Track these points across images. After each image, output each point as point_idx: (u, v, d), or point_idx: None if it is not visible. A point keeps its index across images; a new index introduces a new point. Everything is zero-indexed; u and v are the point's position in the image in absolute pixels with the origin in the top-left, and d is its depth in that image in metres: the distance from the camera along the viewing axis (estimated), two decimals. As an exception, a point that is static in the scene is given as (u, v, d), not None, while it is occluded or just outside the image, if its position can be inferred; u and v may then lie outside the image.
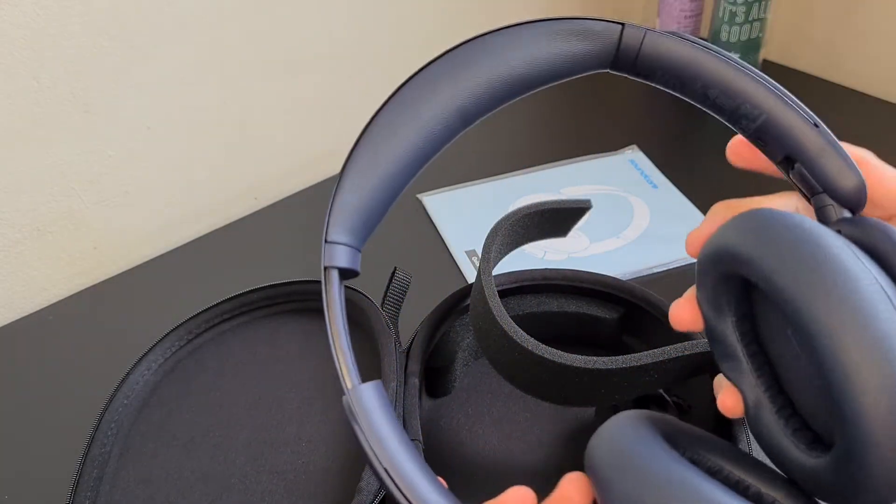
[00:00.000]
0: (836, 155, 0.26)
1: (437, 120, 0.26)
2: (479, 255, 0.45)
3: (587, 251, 0.59)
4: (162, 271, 0.62)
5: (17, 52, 0.52)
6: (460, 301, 0.46)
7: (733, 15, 0.77)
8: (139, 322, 0.57)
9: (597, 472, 0.23)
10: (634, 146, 0.71)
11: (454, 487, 0.41)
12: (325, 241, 0.26)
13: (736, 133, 0.28)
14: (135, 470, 0.41)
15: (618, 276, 0.46)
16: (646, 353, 0.37)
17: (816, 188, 0.26)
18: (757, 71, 0.26)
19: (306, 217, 0.67)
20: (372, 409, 0.23)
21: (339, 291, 0.26)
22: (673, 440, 0.24)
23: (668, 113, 0.80)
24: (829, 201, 0.26)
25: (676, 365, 0.37)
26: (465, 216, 0.64)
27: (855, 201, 0.26)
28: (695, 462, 0.24)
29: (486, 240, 0.41)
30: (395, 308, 0.46)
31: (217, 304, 0.48)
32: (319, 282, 0.50)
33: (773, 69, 0.84)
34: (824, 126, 0.26)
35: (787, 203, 0.29)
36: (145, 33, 0.57)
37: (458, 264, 0.59)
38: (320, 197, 0.69)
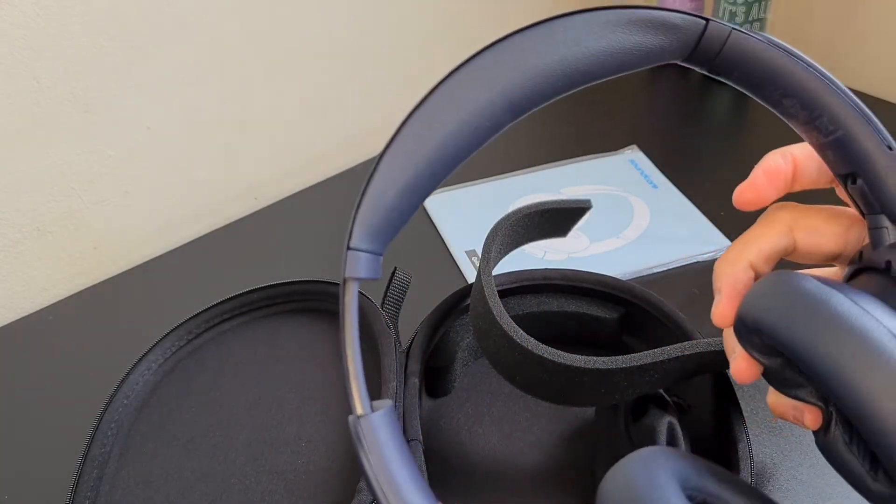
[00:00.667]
0: None
1: (485, 114, 0.24)
2: (479, 255, 0.45)
3: (587, 251, 0.59)
4: (162, 271, 0.62)
5: (17, 52, 0.52)
6: (460, 301, 0.46)
7: (733, 15, 0.77)
8: (139, 322, 0.57)
9: None
10: (634, 146, 0.71)
11: (454, 487, 0.41)
12: (349, 248, 0.24)
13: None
14: (135, 470, 0.41)
15: (618, 276, 0.46)
16: (646, 353, 0.37)
17: (875, 207, 0.26)
18: (841, 85, 0.26)
19: (306, 217, 0.67)
20: (383, 441, 0.22)
21: (356, 303, 0.24)
22: (686, 481, 0.24)
23: (669, 113, 0.80)
24: (886, 223, 0.26)
25: (676, 365, 0.37)
26: (465, 216, 0.64)
27: None
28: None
29: (486, 240, 0.41)
30: (395, 308, 0.46)
31: (217, 304, 0.48)
32: (319, 282, 0.50)
33: (773, 69, 0.84)
34: None
35: (779, 232, 0.29)
36: (145, 33, 0.57)
37: (458, 264, 0.59)
38: (320, 197, 0.69)
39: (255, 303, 0.49)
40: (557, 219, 0.44)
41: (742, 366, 0.28)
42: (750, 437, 0.37)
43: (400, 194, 0.24)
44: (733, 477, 0.26)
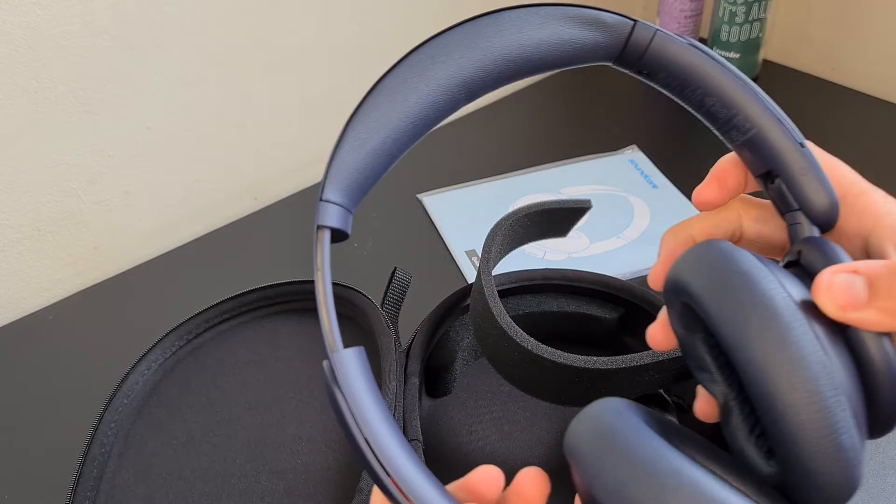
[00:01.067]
0: (815, 175, 0.27)
1: (442, 89, 0.27)
2: (479, 255, 0.45)
3: (587, 251, 0.59)
4: (162, 271, 0.62)
5: (17, 52, 0.52)
6: (460, 301, 0.46)
7: (733, 15, 0.77)
8: (139, 322, 0.57)
9: (579, 458, 0.23)
10: (634, 146, 0.71)
11: (454, 487, 0.41)
12: (321, 199, 0.26)
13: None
14: (135, 470, 0.41)
15: (618, 276, 0.46)
16: (646, 353, 0.37)
17: (792, 205, 0.27)
18: (755, 86, 0.27)
19: (306, 217, 0.66)
20: (354, 375, 0.23)
21: (328, 252, 0.26)
22: (660, 429, 0.24)
23: (669, 113, 0.80)
24: (802, 219, 0.27)
25: (676, 365, 0.37)
26: (465, 216, 0.64)
27: (825, 220, 0.27)
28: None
29: (486, 240, 0.41)
30: (395, 308, 0.46)
31: (217, 304, 0.48)
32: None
33: (773, 69, 0.84)
34: (808, 147, 0.27)
35: (730, 218, 0.30)
36: (146, 33, 0.57)
37: (458, 264, 0.59)
38: (320, 197, 0.69)
39: (255, 303, 0.49)
40: (557, 219, 0.44)
41: (657, 332, 0.29)
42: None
43: (366, 157, 0.26)
44: (706, 440, 0.26)
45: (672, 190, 0.65)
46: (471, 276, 0.58)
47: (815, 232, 0.27)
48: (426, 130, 0.27)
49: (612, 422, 0.23)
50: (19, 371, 0.54)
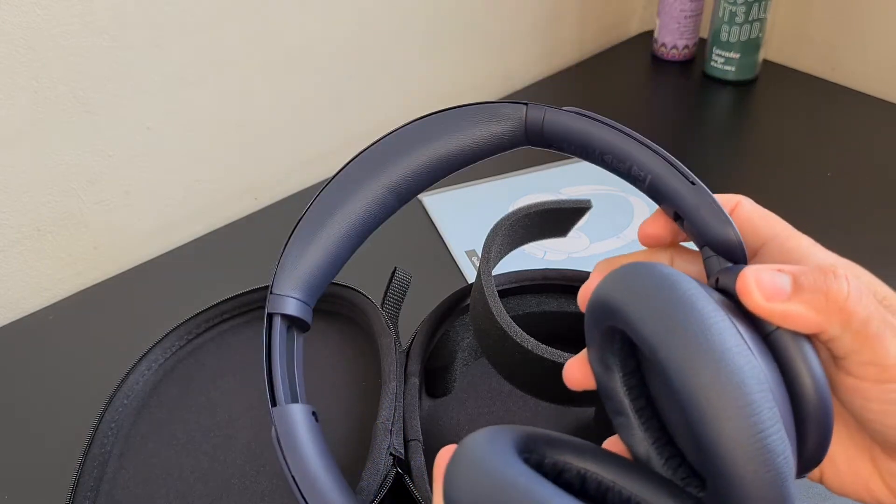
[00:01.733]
0: (712, 211, 0.27)
1: (372, 198, 0.31)
2: (479, 255, 0.45)
3: (587, 251, 0.59)
4: (162, 271, 0.62)
5: (17, 52, 0.52)
6: (460, 301, 0.46)
7: (733, 15, 0.77)
8: (139, 322, 0.57)
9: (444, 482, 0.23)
10: (634, 146, 0.71)
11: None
12: (270, 293, 0.30)
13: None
14: (135, 470, 0.41)
15: (618, 276, 0.46)
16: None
17: (700, 241, 0.27)
18: (641, 137, 0.28)
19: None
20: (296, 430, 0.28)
21: (284, 338, 0.30)
22: (526, 446, 0.24)
23: (669, 112, 0.80)
24: (711, 252, 0.27)
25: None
26: (465, 216, 0.64)
27: (728, 251, 0.27)
28: (540, 463, 0.24)
29: (486, 240, 0.41)
30: (395, 308, 0.46)
31: (217, 304, 0.48)
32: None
33: (773, 69, 0.84)
34: (701, 184, 0.27)
35: (662, 257, 0.30)
36: (145, 33, 0.57)
37: (458, 264, 0.59)
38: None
39: (255, 303, 0.49)
40: (557, 219, 0.44)
41: (574, 370, 0.28)
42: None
43: (313, 260, 0.31)
44: (576, 441, 0.26)
45: (672, 190, 0.65)
46: (471, 276, 0.58)
47: (727, 264, 0.26)
48: (366, 235, 0.32)
49: (477, 447, 0.23)
50: (19, 371, 0.54)
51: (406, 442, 0.39)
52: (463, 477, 0.22)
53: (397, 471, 0.37)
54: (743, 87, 0.81)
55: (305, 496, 0.27)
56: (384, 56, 0.72)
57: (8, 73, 0.52)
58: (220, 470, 0.41)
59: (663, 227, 0.29)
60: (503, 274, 0.46)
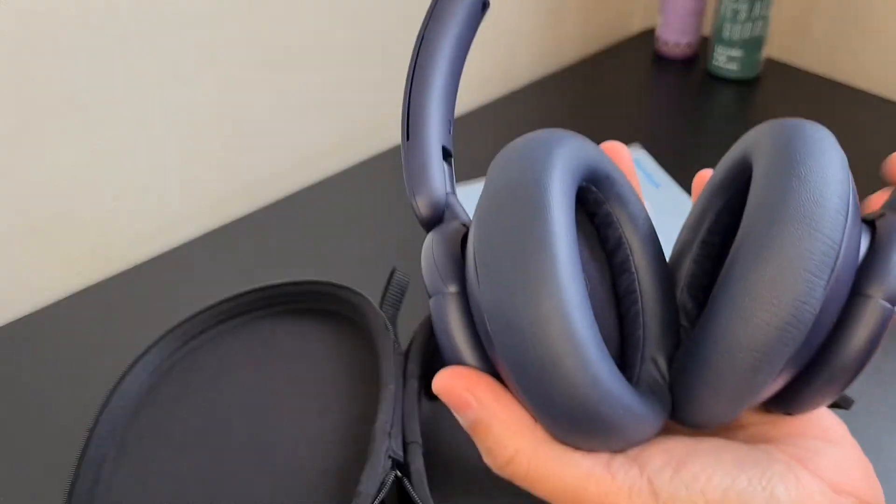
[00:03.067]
0: None
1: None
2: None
3: (588, 251, 0.59)
4: (160, 271, 0.62)
5: (14, 51, 0.51)
6: (460, 302, 0.46)
7: (736, 12, 0.77)
8: (138, 322, 0.57)
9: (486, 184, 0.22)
10: (637, 144, 0.71)
11: (454, 488, 0.41)
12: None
13: None
14: (131, 472, 0.41)
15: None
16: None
17: None
18: None
19: (304, 217, 0.66)
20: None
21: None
22: (593, 175, 0.23)
23: (671, 111, 0.79)
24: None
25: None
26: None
27: None
28: (597, 202, 0.24)
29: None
30: (394, 309, 0.46)
31: (214, 305, 0.48)
32: (318, 282, 0.50)
33: (776, 67, 0.83)
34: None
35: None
36: (143, 32, 0.57)
37: (459, 264, 0.59)
38: (318, 197, 0.69)
39: (253, 303, 0.49)
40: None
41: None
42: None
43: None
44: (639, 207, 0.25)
45: (674, 188, 0.64)
46: (471, 276, 0.57)
47: None
48: None
49: (529, 151, 0.22)
50: (18, 371, 0.54)
51: (405, 445, 0.38)
52: (507, 155, 0.21)
53: (396, 474, 0.37)
54: (746, 85, 0.81)
55: None
56: (384, 54, 0.72)
57: (4, 73, 0.51)
58: (217, 472, 0.40)
59: None
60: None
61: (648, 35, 0.91)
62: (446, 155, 0.25)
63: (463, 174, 0.69)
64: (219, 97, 0.63)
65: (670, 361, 0.23)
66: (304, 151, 0.72)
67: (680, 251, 0.26)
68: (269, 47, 0.64)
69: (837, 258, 0.19)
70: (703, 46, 0.87)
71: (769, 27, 0.79)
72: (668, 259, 0.26)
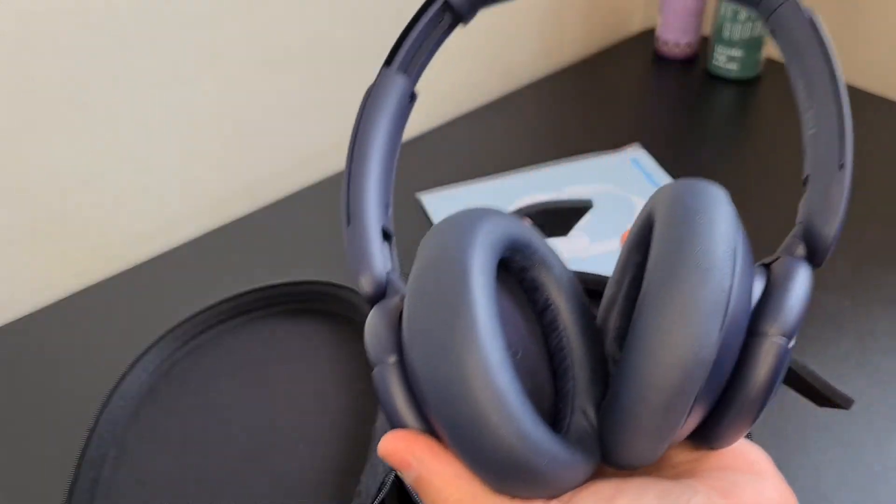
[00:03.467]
0: (834, 200, 0.24)
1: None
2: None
3: (588, 251, 0.59)
4: (160, 271, 0.62)
5: (14, 51, 0.51)
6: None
7: (736, 12, 0.77)
8: (138, 322, 0.57)
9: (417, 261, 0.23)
10: (636, 144, 0.71)
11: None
12: None
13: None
14: (131, 472, 0.41)
15: (619, 277, 0.46)
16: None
17: (801, 216, 0.25)
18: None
19: (304, 217, 0.66)
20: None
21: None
22: (515, 245, 0.26)
23: (671, 111, 0.79)
24: (799, 233, 0.25)
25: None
26: (465, 215, 0.63)
27: (815, 246, 0.24)
28: (522, 269, 0.26)
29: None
30: (394, 309, 0.46)
31: (214, 306, 0.48)
32: (317, 282, 0.50)
33: (776, 67, 0.83)
34: (848, 169, 0.25)
35: None
36: (143, 32, 0.57)
37: (459, 264, 0.59)
38: (318, 197, 0.69)
39: (253, 304, 0.49)
40: (558, 218, 0.44)
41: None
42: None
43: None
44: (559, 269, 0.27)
45: (674, 189, 0.64)
46: (471, 276, 0.57)
47: (801, 251, 0.24)
48: None
49: (452, 230, 0.24)
50: (17, 372, 0.54)
51: None
52: (436, 233, 0.23)
53: (396, 474, 0.37)
54: (746, 85, 0.81)
55: None
56: (384, 55, 0.72)
57: (4, 73, 0.51)
58: (216, 472, 0.40)
59: None
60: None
61: (648, 35, 0.91)
62: (386, 236, 0.28)
63: (463, 174, 0.69)
64: (219, 97, 0.63)
65: (598, 409, 0.25)
66: (304, 151, 0.71)
67: (607, 306, 0.28)
68: (269, 47, 0.64)
69: (729, 302, 0.21)
70: (703, 46, 0.87)
71: (769, 27, 0.79)
72: (598, 313, 0.28)
